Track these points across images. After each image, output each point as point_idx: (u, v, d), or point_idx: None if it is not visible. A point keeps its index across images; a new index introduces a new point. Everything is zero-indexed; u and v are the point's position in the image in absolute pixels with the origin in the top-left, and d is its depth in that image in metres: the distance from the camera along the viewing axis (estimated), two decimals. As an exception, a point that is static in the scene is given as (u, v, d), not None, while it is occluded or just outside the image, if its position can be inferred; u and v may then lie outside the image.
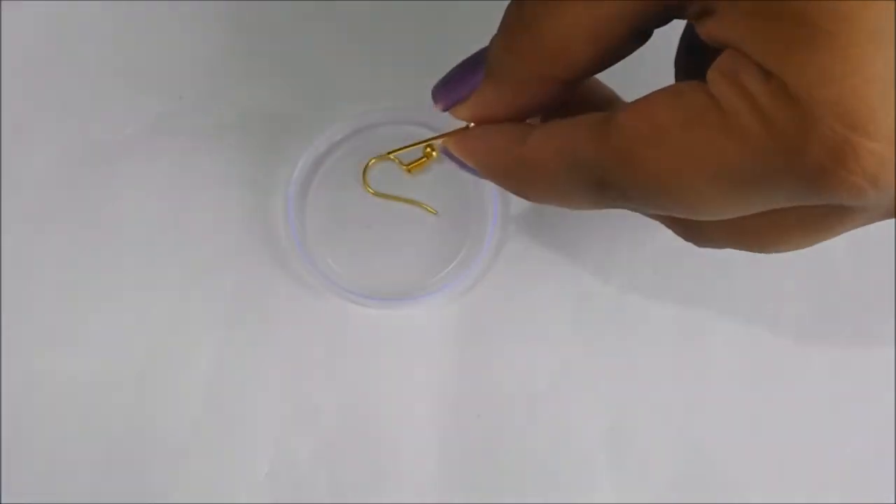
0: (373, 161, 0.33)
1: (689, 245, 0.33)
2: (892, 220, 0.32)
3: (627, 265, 0.33)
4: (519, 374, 0.32)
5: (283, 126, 0.33)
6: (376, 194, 0.33)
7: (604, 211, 0.33)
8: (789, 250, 0.22)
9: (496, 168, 0.24)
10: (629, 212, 0.33)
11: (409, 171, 0.33)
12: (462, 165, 0.25)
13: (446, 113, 0.25)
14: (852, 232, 0.32)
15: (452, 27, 0.33)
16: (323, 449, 0.31)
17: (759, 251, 0.23)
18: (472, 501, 0.31)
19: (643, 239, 0.33)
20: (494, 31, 0.23)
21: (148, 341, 0.32)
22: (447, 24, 0.34)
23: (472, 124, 0.24)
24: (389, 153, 0.27)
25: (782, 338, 0.32)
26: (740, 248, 0.23)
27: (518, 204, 0.33)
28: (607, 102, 0.25)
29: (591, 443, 0.31)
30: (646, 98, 0.20)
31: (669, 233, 0.33)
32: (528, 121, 0.24)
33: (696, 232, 0.24)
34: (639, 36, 0.21)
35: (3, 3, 0.35)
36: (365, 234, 0.33)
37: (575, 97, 0.23)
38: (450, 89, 0.24)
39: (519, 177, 0.23)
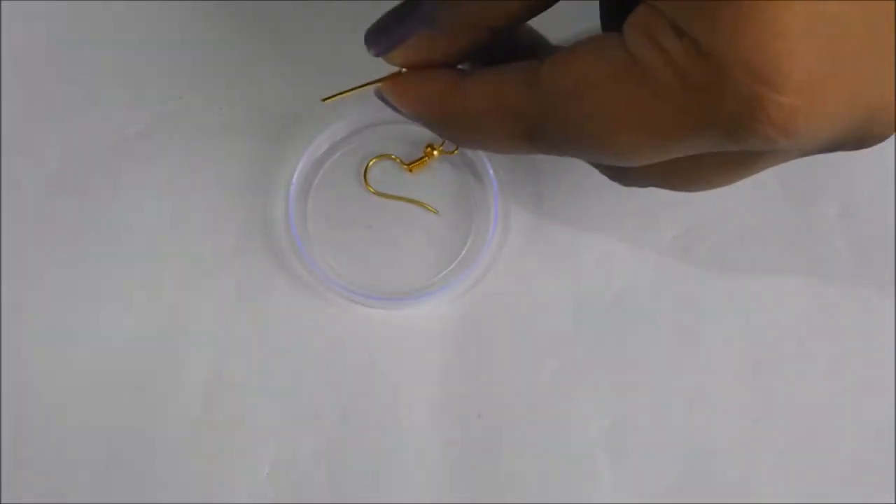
0: (373, 161, 0.33)
1: (690, 245, 0.33)
2: (893, 218, 0.33)
3: (627, 265, 0.33)
4: (519, 373, 0.32)
5: (283, 126, 0.33)
6: (377, 194, 0.33)
7: (604, 211, 0.33)
8: (711, 188, 0.23)
9: (430, 115, 0.24)
10: (629, 212, 0.33)
11: (409, 170, 0.33)
12: (397, 110, 0.25)
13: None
14: (852, 232, 0.33)
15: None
16: (323, 449, 0.31)
17: (683, 190, 0.24)
18: (472, 501, 0.31)
19: (643, 239, 0.33)
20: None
21: (148, 341, 0.32)
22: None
23: (405, 69, 0.25)
24: (327, 98, 0.27)
25: (782, 337, 0.32)
26: (665, 188, 0.24)
27: (518, 204, 0.33)
28: (534, 44, 0.26)
29: (591, 442, 0.31)
30: (568, 52, 0.21)
31: (670, 232, 0.33)
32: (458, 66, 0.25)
33: (622, 173, 0.25)
34: None
35: (2, 2, 0.35)
36: (365, 234, 0.33)
37: (504, 40, 0.24)
38: (384, 35, 0.24)
39: (451, 124, 0.24)
